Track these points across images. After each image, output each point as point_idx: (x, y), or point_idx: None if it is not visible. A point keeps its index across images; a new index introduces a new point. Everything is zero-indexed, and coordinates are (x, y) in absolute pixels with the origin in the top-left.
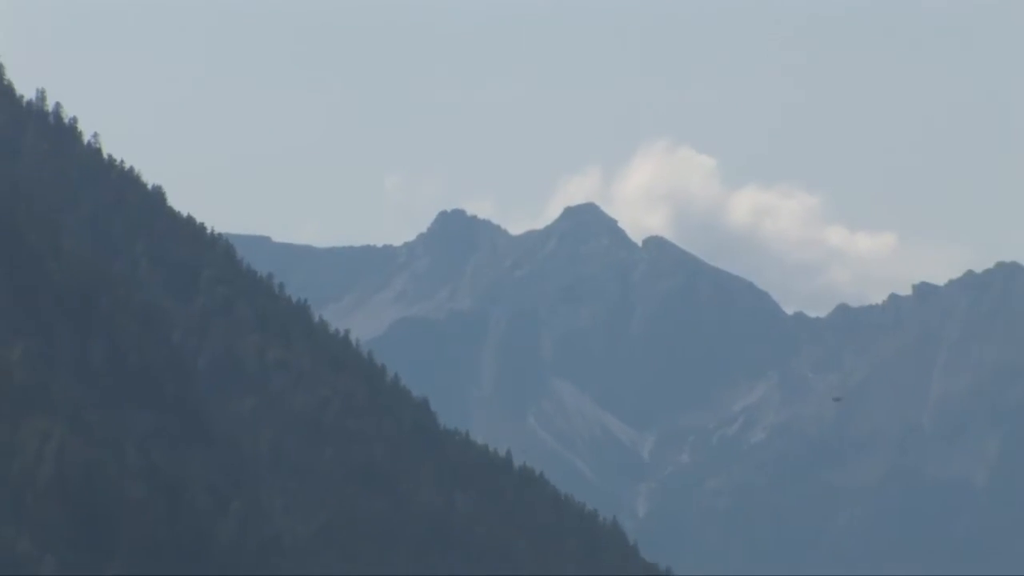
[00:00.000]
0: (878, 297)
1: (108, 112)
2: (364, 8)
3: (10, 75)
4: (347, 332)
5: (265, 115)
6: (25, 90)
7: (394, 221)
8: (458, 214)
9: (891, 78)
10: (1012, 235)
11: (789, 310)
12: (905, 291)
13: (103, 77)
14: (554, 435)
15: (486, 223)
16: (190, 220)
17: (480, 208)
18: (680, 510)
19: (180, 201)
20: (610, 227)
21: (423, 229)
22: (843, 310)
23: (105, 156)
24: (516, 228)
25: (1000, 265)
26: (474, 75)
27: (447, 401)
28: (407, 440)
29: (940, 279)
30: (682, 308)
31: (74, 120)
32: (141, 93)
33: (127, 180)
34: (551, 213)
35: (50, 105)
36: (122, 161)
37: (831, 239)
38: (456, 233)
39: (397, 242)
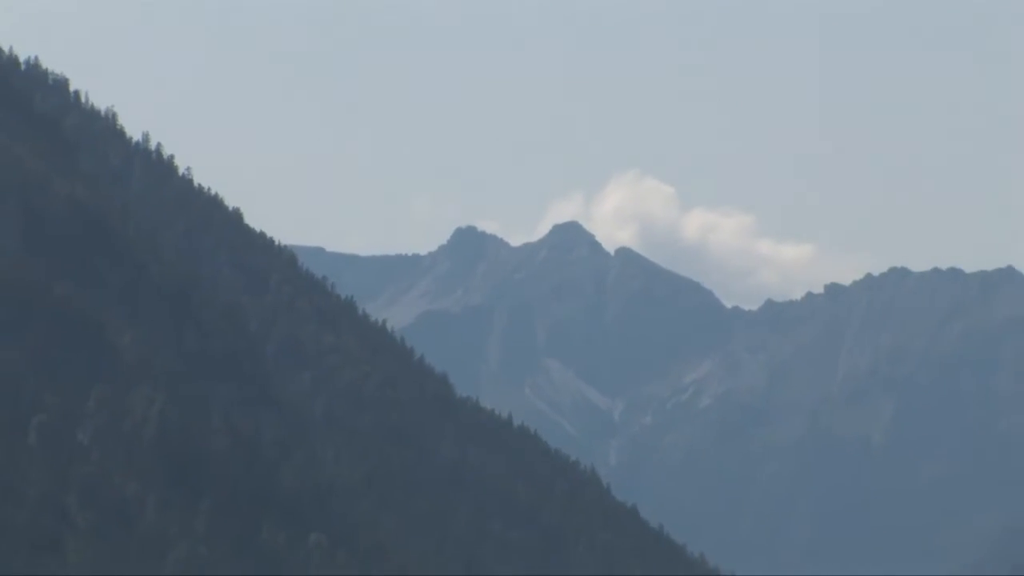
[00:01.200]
0: (798, 294)
1: (197, 149)
2: (387, 66)
3: (122, 121)
4: (384, 322)
5: (321, 149)
6: (133, 132)
7: (421, 235)
8: (470, 229)
9: (806, 122)
10: (901, 245)
11: (728, 304)
12: (818, 290)
13: (192, 121)
14: (545, 402)
15: (492, 237)
16: (261, 235)
17: (488, 225)
18: (643, 461)
19: (253, 219)
20: (589, 240)
21: (443, 241)
22: (770, 304)
23: (195, 185)
24: (515, 241)
25: (892, 269)
26: (485, 120)
27: (461, 376)
28: (430, 406)
29: (846, 280)
30: (645, 303)
31: (171, 157)
32: (222, 135)
33: (212, 203)
34: (542, 229)
35: (152, 145)
36: (209, 188)
37: (761, 249)
38: (468, 245)
39: (423, 252)
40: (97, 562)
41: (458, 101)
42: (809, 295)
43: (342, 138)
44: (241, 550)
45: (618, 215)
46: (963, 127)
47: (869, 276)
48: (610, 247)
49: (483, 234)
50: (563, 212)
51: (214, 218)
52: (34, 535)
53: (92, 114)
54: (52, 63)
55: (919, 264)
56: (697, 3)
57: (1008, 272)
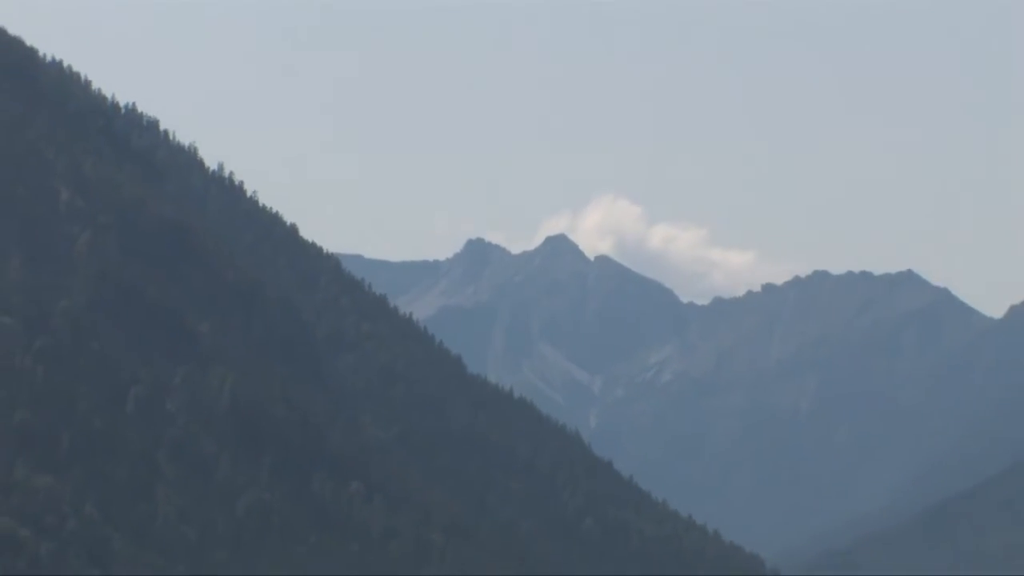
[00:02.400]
0: (740, 292)
1: (262, 175)
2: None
3: (201, 154)
4: (411, 314)
5: (360, 176)
6: (211, 163)
7: (439, 245)
8: (479, 240)
9: (751, 151)
10: (822, 252)
11: (684, 300)
12: (757, 289)
13: (257, 153)
14: (539, 378)
15: (496, 247)
16: (312, 244)
17: (493, 237)
18: (617, 424)
19: (306, 232)
20: (574, 250)
21: (457, 250)
22: (718, 301)
23: (260, 205)
24: (515, 250)
25: (815, 272)
26: (493, 153)
27: (472, 357)
28: (447, 381)
29: (779, 281)
30: (618, 300)
31: (241, 182)
32: (281, 164)
33: (273, 220)
34: (537, 241)
35: (226, 173)
36: (271, 207)
37: (712, 256)
38: (477, 253)
39: (441, 258)
40: (182, 505)
41: (471, 138)
42: (749, 293)
43: (377, 166)
44: (296, 496)
45: (597, 230)
46: (873, 158)
47: (797, 278)
48: (591, 255)
49: (489, 244)
50: (553, 227)
51: (274, 232)
52: (133, 484)
53: (177, 148)
54: (146, 107)
55: (837, 268)
56: (665, 52)
57: (908, 274)
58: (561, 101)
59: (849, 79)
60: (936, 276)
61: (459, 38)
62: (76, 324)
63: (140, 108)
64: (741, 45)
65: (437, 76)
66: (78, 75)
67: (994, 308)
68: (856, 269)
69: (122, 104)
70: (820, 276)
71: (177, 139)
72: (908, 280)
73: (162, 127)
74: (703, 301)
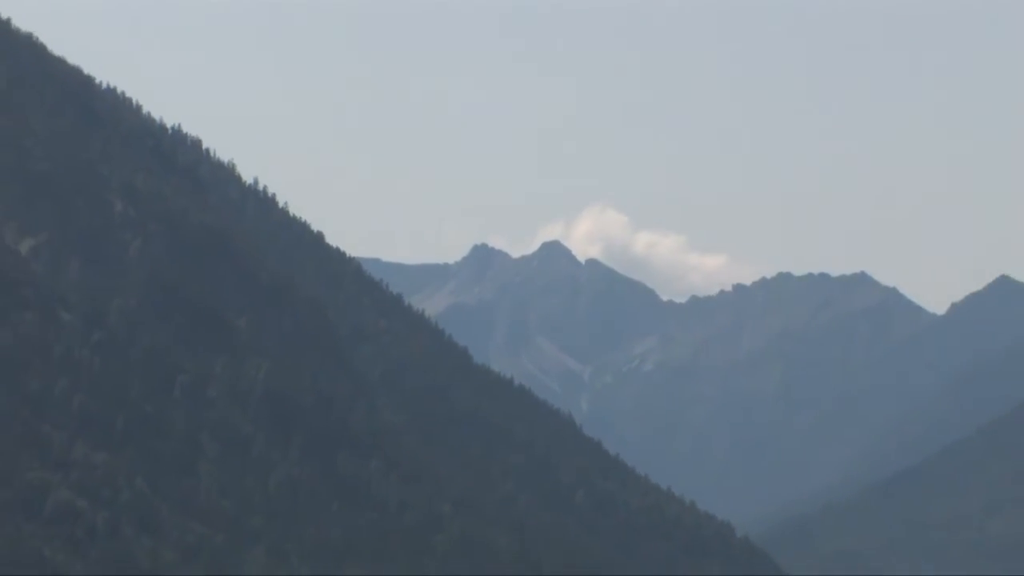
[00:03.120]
0: (714, 291)
1: (292, 188)
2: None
3: (239, 169)
4: (423, 311)
5: (379, 188)
6: (247, 177)
7: (448, 250)
8: (483, 245)
9: (724, 165)
10: (786, 256)
11: (664, 299)
12: (728, 288)
13: (288, 168)
14: (536, 367)
15: (499, 251)
16: (336, 249)
17: (496, 242)
18: (606, 408)
19: (331, 238)
20: (567, 254)
21: (465, 253)
22: (695, 299)
23: (291, 214)
24: (515, 254)
25: (780, 274)
26: (497, 169)
27: (477, 349)
28: (455, 370)
29: (748, 282)
30: (606, 299)
31: (273, 195)
32: (309, 177)
33: (302, 227)
34: (534, 246)
35: (260, 186)
36: (300, 216)
37: (689, 260)
38: (482, 256)
39: (450, 262)
40: (222, 480)
41: (477, 154)
42: (722, 292)
43: (394, 180)
44: (322, 472)
45: (587, 236)
46: (832, 171)
47: (764, 279)
48: (582, 259)
49: (492, 249)
50: (549, 234)
51: (303, 238)
52: (178, 460)
53: (217, 164)
54: (189, 128)
55: (798, 270)
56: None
57: (861, 275)
58: (557, 121)
59: (808, 100)
60: (886, 277)
61: (465, 63)
62: (128, 320)
63: (184, 129)
64: (710, 72)
65: (449, 97)
66: (130, 100)
67: (937, 305)
68: (815, 271)
69: (168, 125)
70: (784, 277)
71: (217, 156)
72: (861, 281)
73: (204, 146)
74: (681, 299)
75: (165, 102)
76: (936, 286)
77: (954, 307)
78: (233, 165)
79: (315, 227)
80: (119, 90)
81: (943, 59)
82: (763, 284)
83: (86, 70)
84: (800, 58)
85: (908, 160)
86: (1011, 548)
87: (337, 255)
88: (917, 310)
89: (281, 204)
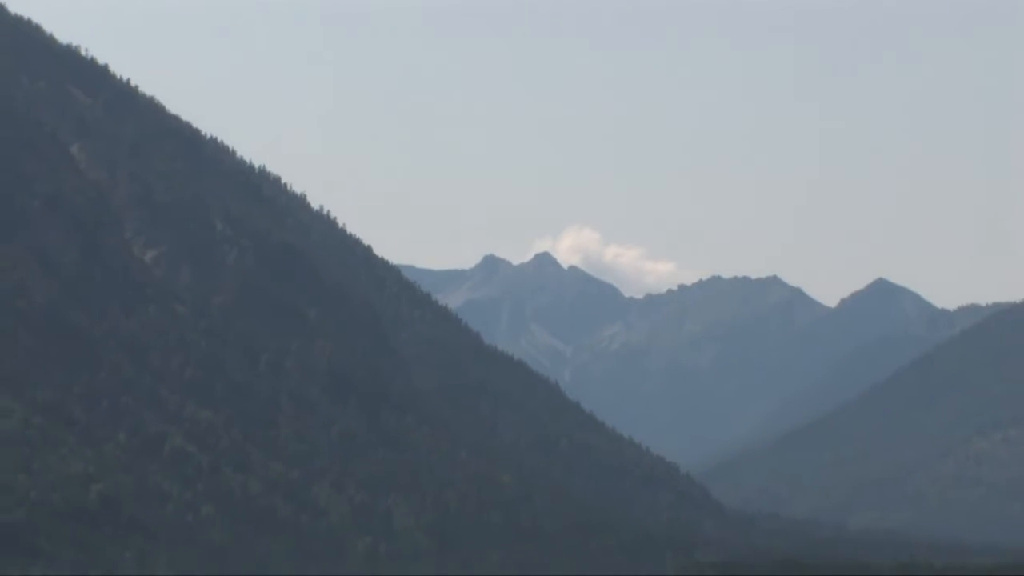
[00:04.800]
0: (664, 290)
1: (349, 211)
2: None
3: (309, 199)
4: (446, 305)
5: (416, 211)
6: (316, 204)
7: (465, 258)
8: (491, 256)
9: (672, 190)
10: (718, 262)
11: (627, 295)
12: (675, 288)
13: (346, 196)
14: (531, 347)
15: (503, 260)
16: (381, 259)
17: (501, 252)
18: (583, 378)
19: (379, 251)
20: (554, 262)
21: (478, 261)
22: (649, 296)
23: (348, 233)
24: (515, 262)
25: (713, 277)
26: (503, 196)
27: (487, 334)
28: (469, 350)
29: (689, 283)
30: (584, 296)
31: (335, 218)
32: (362, 202)
33: (358, 243)
34: (529, 256)
35: (326, 211)
36: (355, 234)
37: (645, 266)
38: (490, 264)
39: (466, 267)
40: (299, 432)
41: (488, 187)
42: (670, 291)
43: (424, 204)
44: (370, 426)
45: (570, 249)
46: (753, 193)
47: (701, 280)
48: (565, 266)
49: (498, 258)
50: (541, 247)
51: (356, 250)
52: (263, 417)
53: (292, 195)
54: (271, 167)
55: (727, 273)
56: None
57: (774, 278)
58: (549, 161)
59: (741, 139)
60: (792, 279)
61: (479, 116)
62: (226, 312)
63: (268, 168)
64: (664, 119)
65: (469, 140)
66: (227, 146)
67: (830, 301)
68: (739, 275)
69: (256, 166)
70: (716, 279)
71: (292, 188)
72: (773, 282)
73: (282, 180)
74: (639, 296)
75: (253, 147)
76: (829, 286)
77: (842, 302)
78: (304, 195)
79: (365, 242)
80: (219, 139)
81: (826, 83)
82: (700, 285)
83: (194, 124)
84: (733, 94)
85: (812, 184)
86: (884, 482)
87: (381, 263)
88: (815, 304)
89: (340, 225)
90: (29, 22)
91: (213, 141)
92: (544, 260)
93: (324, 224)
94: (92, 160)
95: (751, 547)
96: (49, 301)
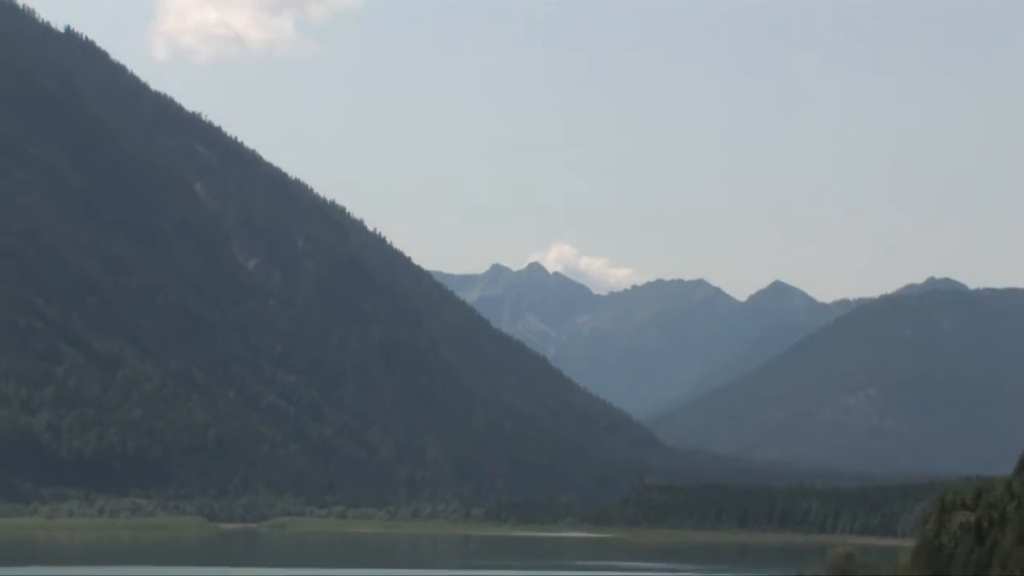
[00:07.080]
0: (621, 289)
1: (398, 232)
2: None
3: (366, 223)
4: (464, 299)
5: (437, 235)
6: (368, 224)
7: (477, 266)
8: (497, 264)
9: (637, 209)
10: (661, 267)
11: (596, 293)
12: (630, 288)
13: (395, 219)
14: (528, 331)
15: (505, 267)
16: (418, 267)
17: (504, 262)
18: (569, 355)
19: (415, 260)
20: (542, 271)
21: (487, 269)
22: (612, 294)
23: (394, 247)
24: (515, 269)
25: (658, 280)
26: (507, 219)
27: (494, 321)
28: (483, 336)
29: (640, 283)
30: (563, 295)
31: (384, 236)
32: (406, 221)
33: (401, 257)
34: (525, 264)
35: (378, 232)
36: (401, 250)
37: (609, 271)
38: (497, 270)
39: (479, 272)
40: (358, 392)
41: (495, 208)
42: (625, 290)
43: (451, 223)
44: (410, 388)
45: (553, 260)
46: (690, 209)
47: (648, 282)
48: (551, 272)
49: (502, 266)
50: (533, 258)
51: (399, 260)
52: (332, 382)
53: (354, 220)
54: (340, 200)
55: (668, 276)
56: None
57: (700, 281)
58: (542, 198)
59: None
60: (715, 280)
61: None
62: (306, 305)
63: (337, 201)
64: (629, 145)
65: (487, 164)
66: (307, 185)
67: (741, 296)
68: (676, 278)
69: (328, 199)
70: (659, 281)
71: (353, 215)
72: (700, 283)
73: (347, 210)
74: (604, 294)
75: (326, 184)
76: (741, 285)
77: (750, 298)
78: (362, 220)
79: (406, 254)
80: (301, 180)
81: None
82: (648, 285)
83: (283, 169)
84: (657, 140)
85: (733, 200)
86: (782, 427)
87: (417, 269)
88: (730, 300)
89: (388, 241)
90: (165, 96)
91: (296, 181)
92: (536, 268)
93: (376, 241)
94: (210, 195)
95: (686, 475)
96: (179, 297)
